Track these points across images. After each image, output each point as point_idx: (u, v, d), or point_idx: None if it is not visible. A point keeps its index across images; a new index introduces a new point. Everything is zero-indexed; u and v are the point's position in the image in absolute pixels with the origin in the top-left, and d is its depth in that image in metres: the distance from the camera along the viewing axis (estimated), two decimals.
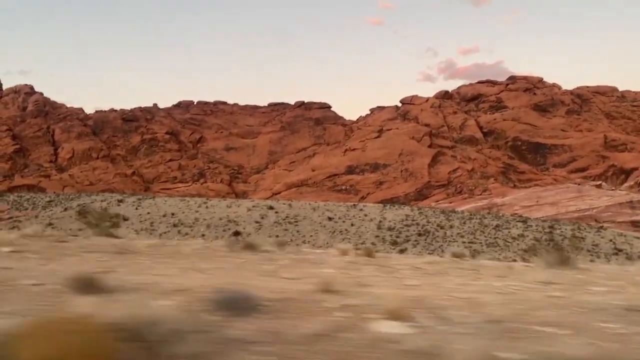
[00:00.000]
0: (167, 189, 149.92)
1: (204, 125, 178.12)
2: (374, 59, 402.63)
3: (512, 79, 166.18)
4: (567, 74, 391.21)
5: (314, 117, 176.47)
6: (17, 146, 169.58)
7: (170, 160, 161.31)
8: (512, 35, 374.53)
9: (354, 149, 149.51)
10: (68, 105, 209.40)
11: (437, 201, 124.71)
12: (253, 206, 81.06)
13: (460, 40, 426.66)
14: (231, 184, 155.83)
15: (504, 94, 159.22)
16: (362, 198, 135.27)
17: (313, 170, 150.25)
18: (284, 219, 73.62)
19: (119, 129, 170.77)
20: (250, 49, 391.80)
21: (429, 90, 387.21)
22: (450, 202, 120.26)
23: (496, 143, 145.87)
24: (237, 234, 69.14)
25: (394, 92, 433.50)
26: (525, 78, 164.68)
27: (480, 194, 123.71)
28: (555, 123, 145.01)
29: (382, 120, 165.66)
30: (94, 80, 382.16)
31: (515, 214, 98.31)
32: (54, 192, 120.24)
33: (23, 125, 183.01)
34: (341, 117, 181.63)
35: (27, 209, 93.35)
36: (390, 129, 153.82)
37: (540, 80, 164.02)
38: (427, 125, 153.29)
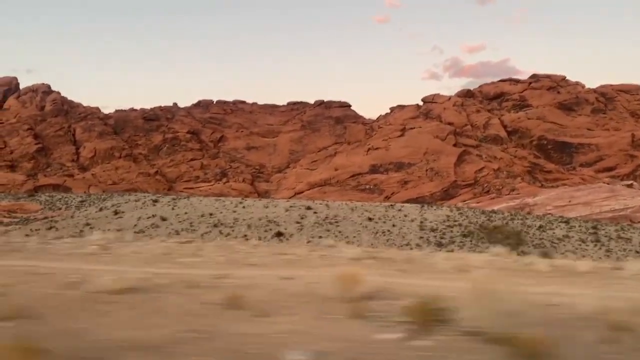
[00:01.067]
0: (190, 188, 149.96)
1: (224, 125, 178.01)
2: (380, 57, 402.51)
3: (535, 77, 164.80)
4: (573, 72, 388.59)
5: (334, 115, 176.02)
6: (39, 145, 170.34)
7: (192, 159, 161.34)
8: (518, 33, 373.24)
9: (377, 148, 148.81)
10: (85, 105, 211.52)
11: (465, 201, 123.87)
12: (290, 206, 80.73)
13: (466, 38, 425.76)
14: (253, 183, 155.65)
15: (528, 92, 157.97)
16: (387, 197, 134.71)
17: (336, 170, 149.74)
18: (324, 220, 73.19)
19: (140, 128, 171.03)
20: (257, 49, 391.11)
21: (434, 89, 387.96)
22: (479, 202, 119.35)
23: (521, 142, 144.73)
24: (279, 234, 69.08)
25: (400, 90, 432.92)
26: (548, 76, 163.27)
27: (508, 194, 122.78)
28: (581, 122, 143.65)
29: (403, 119, 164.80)
30: (102, 80, 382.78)
31: (549, 213, 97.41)
32: (85, 192, 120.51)
33: (44, 125, 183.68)
34: (361, 116, 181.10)
35: (60, 208, 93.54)
36: (413, 128, 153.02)
37: (564, 78, 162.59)
38: (450, 124, 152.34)
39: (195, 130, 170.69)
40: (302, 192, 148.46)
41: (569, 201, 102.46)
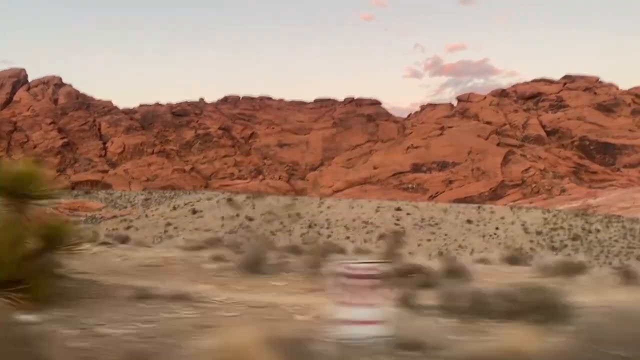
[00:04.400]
0: (226, 185, 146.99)
1: (254, 121, 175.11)
2: (364, 55, 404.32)
3: (569, 77, 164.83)
4: (551, 72, 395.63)
5: (366, 113, 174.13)
6: (65, 140, 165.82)
7: (225, 156, 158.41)
8: (498, 33, 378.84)
9: (417, 147, 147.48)
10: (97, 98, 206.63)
11: (514, 201, 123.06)
12: (378, 207, 78.83)
13: (448, 37, 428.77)
14: (289, 181, 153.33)
15: (564, 93, 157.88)
16: (432, 197, 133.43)
17: (375, 168, 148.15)
18: (422, 221, 71.55)
19: (170, 123, 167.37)
20: (238, 43, 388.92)
21: (414, 87, 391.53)
22: (531, 202, 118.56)
23: (561, 142, 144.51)
24: (384, 237, 67.13)
25: (382, 88, 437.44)
26: (582, 77, 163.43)
27: (559, 194, 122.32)
28: (621, 123, 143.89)
29: (437, 117, 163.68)
30: (86, 73, 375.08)
31: (614, 215, 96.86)
32: (144, 190, 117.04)
33: (66, 118, 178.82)
34: (392, 114, 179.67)
35: (125, 207, 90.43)
36: (452, 127, 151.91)
37: (597, 79, 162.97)
38: (488, 123, 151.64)
39: (226, 126, 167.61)
40: (341, 191, 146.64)
41: (633, 202, 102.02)
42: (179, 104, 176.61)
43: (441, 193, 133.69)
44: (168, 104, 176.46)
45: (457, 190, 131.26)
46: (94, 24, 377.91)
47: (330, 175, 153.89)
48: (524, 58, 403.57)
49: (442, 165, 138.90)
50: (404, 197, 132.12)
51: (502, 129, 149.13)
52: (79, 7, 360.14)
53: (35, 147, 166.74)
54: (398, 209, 77.44)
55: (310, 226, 71.55)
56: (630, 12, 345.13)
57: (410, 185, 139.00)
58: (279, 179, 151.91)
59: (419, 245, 62.59)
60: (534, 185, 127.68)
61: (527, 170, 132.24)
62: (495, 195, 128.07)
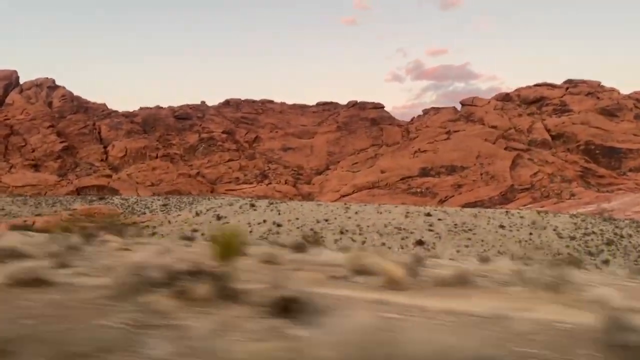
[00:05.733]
0: (232, 189, 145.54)
1: (257, 125, 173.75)
2: (346, 58, 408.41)
3: (571, 82, 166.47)
4: (531, 76, 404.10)
5: (369, 117, 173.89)
6: (65, 144, 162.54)
7: (230, 160, 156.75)
8: (479, 38, 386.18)
9: (424, 151, 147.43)
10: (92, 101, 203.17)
11: (525, 205, 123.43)
12: (407, 212, 78.23)
13: (430, 42, 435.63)
14: (295, 185, 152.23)
15: (568, 97, 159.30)
16: (441, 201, 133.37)
17: (382, 172, 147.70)
18: (455, 227, 71.08)
19: (172, 127, 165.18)
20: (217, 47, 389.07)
21: (396, 90, 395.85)
22: (542, 206, 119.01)
23: (567, 147, 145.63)
24: (420, 243, 66.54)
25: (364, 92, 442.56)
26: (584, 82, 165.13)
27: (569, 198, 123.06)
28: (625, 127, 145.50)
29: (441, 121, 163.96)
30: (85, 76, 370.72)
31: (630, 219, 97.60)
32: (153, 195, 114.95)
33: (65, 122, 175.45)
34: (395, 118, 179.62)
35: (144, 212, 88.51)
36: (458, 131, 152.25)
37: (599, 84, 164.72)
38: (494, 127, 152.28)
39: (230, 130, 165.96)
40: (348, 195, 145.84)
41: None
42: (181, 107, 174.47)
43: (451, 197, 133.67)
44: (169, 107, 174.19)
45: (467, 195, 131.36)
46: (87, 26, 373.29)
47: (337, 179, 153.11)
48: (504, 62, 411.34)
49: (451, 170, 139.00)
50: (413, 201, 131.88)
51: (507, 133, 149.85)
52: (74, 7, 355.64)
53: (33, 151, 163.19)
54: (428, 214, 76.92)
55: (342, 232, 70.64)
56: (608, 17, 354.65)
57: (419, 190, 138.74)
58: (285, 183, 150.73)
59: (457, 251, 62.13)
60: (543, 189, 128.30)
61: (535, 174, 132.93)
62: (505, 199, 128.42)
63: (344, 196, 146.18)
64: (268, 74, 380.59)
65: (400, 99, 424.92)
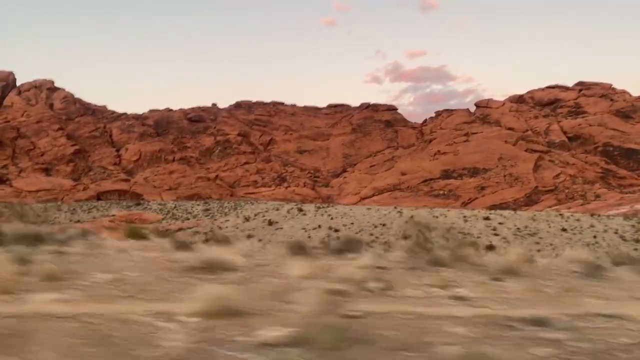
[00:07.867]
0: (252, 193, 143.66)
1: (271, 127, 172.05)
2: (325, 59, 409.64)
3: (583, 84, 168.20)
4: (508, 78, 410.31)
5: (384, 119, 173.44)
6: (76, 147, 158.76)
7: (246, 163, 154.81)
8: (457, 40, 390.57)
9: (444, 153, 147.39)
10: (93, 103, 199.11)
11: (550, 207, 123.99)
12: (464, 215, 77.70)
13: (409, 44, 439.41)
14: (314, 188, 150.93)
15: (582, 99, 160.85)
16: (465, 204, 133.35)
17: (403, 174, 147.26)
18: (519, 230, 70.73)
19: (186, 129, 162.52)
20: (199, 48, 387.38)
21: (375, 92, 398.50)
22: (569, 208, 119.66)
23: (585, 148, 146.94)
24: (491, 248, 65.87)
25: (342, 93, 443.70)
26: (596, 84, 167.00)
27: (594, 200, 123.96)
28: None
29: (456, 123, 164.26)
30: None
31: None
32: (208, 199, 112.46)
33: (74, 125, 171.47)
34: (408, 120, 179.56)
35: (187, 218, 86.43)
36: (476, 133, 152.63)
37: (611, 86, 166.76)
38: (510, 129, 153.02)
39: (244, 132, 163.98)
40: (368, 197, 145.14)
41: None
42: (193, 109, 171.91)
43: (474, 199, 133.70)
44: (181, 110, 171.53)
45: (492, 197, 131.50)
46: (87, 28, 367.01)
47: (356, 182, 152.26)
48: (481, 64, 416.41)
49: (473, 172, 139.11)
50: (435, 203, 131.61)
51: (525, 135, 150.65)
52: (72, 8, 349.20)
53: (43, 154, 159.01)
54: (487, 217, 76.46)
55: (405, 237, 69.66)
56: (586, 18, 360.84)
57: (441, 192, 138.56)
58: (304, 185, 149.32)
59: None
60: (567, 191, 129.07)
61: (557, 176, 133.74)
62: (530, 201, 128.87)
63: (364, 199, 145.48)
64: (245, 73, 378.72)
65: (379, 101, 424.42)
